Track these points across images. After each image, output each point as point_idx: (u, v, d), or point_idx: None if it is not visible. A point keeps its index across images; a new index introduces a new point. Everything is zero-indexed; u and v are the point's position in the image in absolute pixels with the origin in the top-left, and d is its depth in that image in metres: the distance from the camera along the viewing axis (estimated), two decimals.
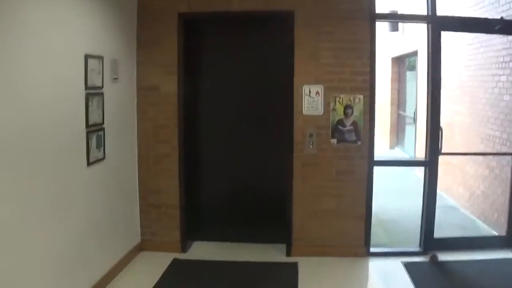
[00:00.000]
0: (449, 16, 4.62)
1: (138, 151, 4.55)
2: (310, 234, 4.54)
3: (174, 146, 4.48)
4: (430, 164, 4.61)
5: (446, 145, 4.69)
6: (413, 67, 11.54)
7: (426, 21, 4.48)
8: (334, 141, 4.38)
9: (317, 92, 4.32)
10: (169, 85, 4.43)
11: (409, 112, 11.56)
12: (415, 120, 10.14)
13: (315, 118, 4.38)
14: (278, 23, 4.46)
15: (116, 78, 4.07)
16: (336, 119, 4.35)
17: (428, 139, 4.58)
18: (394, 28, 10.30)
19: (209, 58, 4.68)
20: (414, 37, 10.07)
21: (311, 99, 4.33)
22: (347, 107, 4.33)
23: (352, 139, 4.37)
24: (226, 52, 4.67)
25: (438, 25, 4.44)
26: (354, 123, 4.35)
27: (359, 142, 4.37)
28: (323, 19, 4.27)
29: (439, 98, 4.54)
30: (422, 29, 9.28)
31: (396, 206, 6.60)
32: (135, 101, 4.49)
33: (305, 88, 4.33)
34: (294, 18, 4.30)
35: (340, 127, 4.35)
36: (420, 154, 9.57)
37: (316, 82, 4.33)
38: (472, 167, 6.39)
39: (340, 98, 4.33)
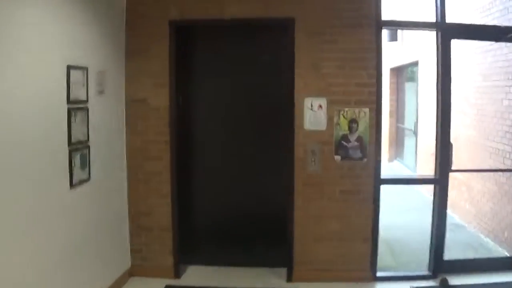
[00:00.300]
0: (459, 24, 4.36)
1: (127, 169, 4.21)
2: (313, 258, 4.23)
3: (165, 163, 4.16)
4: (440, 182, 4.31)
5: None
6: (412, 78, 11.30)
7: (435, 29, 4.19)
8: (338, 158, 4.07)
9: (320, 106, 4.02)
10: (160, 97, 4.12)
11: (408, 124, 11.30)
12: (415, 132, 9.88)
13: (318, 134, 4.08)
14: (277, 31, 4.17)
15: (102, 91, 3.76)
16: (340, 134, 4.05)
17: (438, 155, 4.28)
18: (393, 38, 10.02)
19: (203, 68, 4.37)
20: (414, 47, 9.82)
21: (313, 113, 4.03)
22: (352, 122, 4.03)
23: (357, 156, 4.06)
24: (222, 63, 4.37)
25: (447, 32, 4.16)
26: (359, 139, 4.05)
27: (365, 159, 4.07)
28: (326, 27, 3.99)
29: (449, 111, 4.23)
30: (423, 38, 9.11)
31: (399, 224, 6.28)
32: (124, 115, 4.18)
33: (307, 101, 4.03)
34: (295, 25, 4.01)
35: (344, 143, 4.05)
36: (422, 168, 9.47)
37: (319, 94, 4.03)
38: (479, 183, 6.09)
39: (344, 111, 4.03)
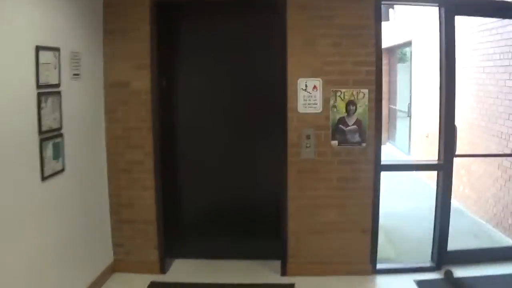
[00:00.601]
0: None
1: (107, 158, 3.90)
2: (308, 250, 3.96)
3: (148, 151, 3.85)
4: (444, 168, 4.04)
5: None
6: (404, 59, 11.05)
7: (437, 4, 3.88)
8: (335, 143, 3.77)
9: (315, 87, 3.71)
10: (141, 80, 3.79)
11: (400, 105, 11.07)
12: (409, 114, 9.66)
13: (313, 117, 3.78)
14: (268, 7, 3.83)
15: (77, 74, 3.43)
16: (337, 117, 3.75)
17: (442, 139, 4.00)
18: (385, 18, 9.64)
19: (189, 49, 4.04)
20: (407, 27, 9.55)
21: (307, 95, 3.72)
22: (349, 104, 3.73)
23: (355, 140, 3.77)
24: (208, 43, 4.03)
25: (451, 8, 3.87)
26: (357, 122, 3.75)
27: (364, 144, 3.77)
28: (321, 1, 3.68)
29: (454, 92, 3.95)
30: (416, 17, 8.85)
31: (396, 212, 6.01)
32: (102, 100, 3.85)
33: (301, 82, 3.71)
34: (286, 0, 3.68)
35: (341, 126, 3.75)
36: (416, 150, 9.26)
37: (313, 74, 3.73)
38: (480, 167, 5.84)
39: (341, 93, 3.72)
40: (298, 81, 3.72)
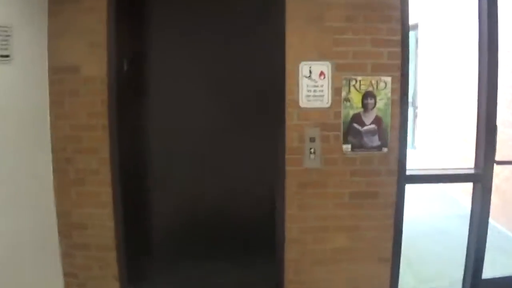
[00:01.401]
0: None
1: (53, 166, 3.01)
2: (312, 285, 3.08)
3: (103, 157, 2.97)
4: (483, 178, 3.14)
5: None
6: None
7: None
8: (347, 147, 2.89)
9: (322, 73, 2.83)
10: (96, 64, 2.91)
11: None
12: (413, 104, 9.28)
13: (319, 113, 2.91)
14: None
15: (6, 56, 2.59)
16: (351, 114, 2.87)
17: (482, 142, 3.15)
18: None
19: (160, 22, 3.15)
20: (413, 9, 8.69)
21: (312, 84, 2.84)
22: (367, 96, 2.86)
23: (374, 144, 2.90)
24: (186, 16, 3.14)
25: None
26: (377, 120, 2.88)
27: (385, 149, 2.90)
28: None
29: (496, 84, 3.14)
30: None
31: (415, 228, 5.15)
32: (46, 89, 2.96)
33: (303, 67, 2.83)
34: None
35: (356, 126, 2.87)
36: (422, 143, 8.55)
37: (320, 57, 2.86)
38: (505, 167, 4.99)
39: (356, 81, 2.85)
40: (300, 66, 2.84)
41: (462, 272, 3.42)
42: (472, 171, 3.30)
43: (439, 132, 7.99)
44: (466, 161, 6.76)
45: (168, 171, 3.27)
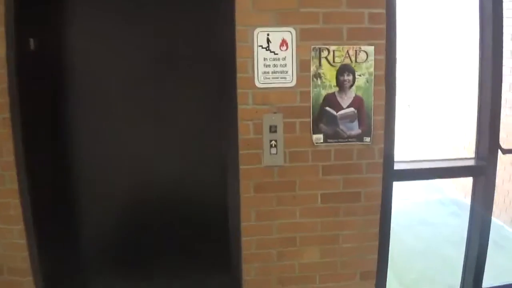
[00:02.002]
0: None
1: None
2: None
3: (7, 161, 2.25)
4: (485, 171, 2.53)
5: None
6: None
7: None
8: (318, 138, 2.23)
9: (284, 42, 2.15)
10: None
11: None
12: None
13: (281, 94, 2.23)
14: None
15: None
16: (323, 94, 2.20)
17: (486, 130, 2.49)
18: None
19: None
20: None
21: (271, 57, 2.15)
22: (343, 71, 2.20)
23: (353, 133, 2.25)
24: None
25: None
26: (357, 102, 2.22)
27: (368, 139, 2.24)
28: None
29: (500, 62, 2.53)
30: None
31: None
32: None
33: (259, 35, 2.14)
34: None
35: (330, 110, 2.21)
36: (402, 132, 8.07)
37: (281, 21, 2.17)
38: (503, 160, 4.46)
39: (329, 52, 2.16)
40: (255, 34, 2.14)
41: (459, 280, 2.87)
42: (472, 162, 2.66)
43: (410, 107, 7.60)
44: (457, 151, 6.36)
45: (100, 172, 2.57)
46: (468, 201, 5.71)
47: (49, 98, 2.41)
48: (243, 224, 2.32)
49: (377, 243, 2.44)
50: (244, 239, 2.34)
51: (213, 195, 2.40)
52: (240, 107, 2.19)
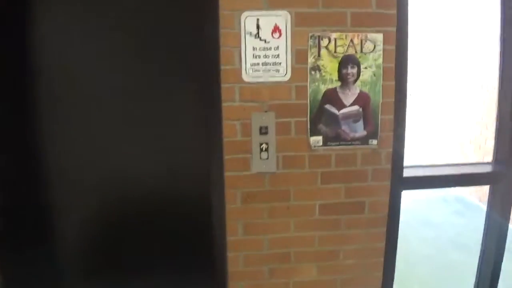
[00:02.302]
0: None
1: None
2: None
3: None
4: (506, 177, 2.21)
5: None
6: None
7: None
8: (317, 140, 1.91)
9: (276, 29, 1.83)
10: None
11: None
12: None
13: (273, 90, 1.92)
14: None
15: None
16: (323, 90, 1.88)
17: (508, 133, 2.17)
18: None
19: None
20: None
21: (261, 45, 1.84)
22: (346, 62, 1.88)
23: (357, 134, 1.95)
24: None
25: None
26: (362, 99, 1.91)
27: (374, 142, 1.93)
28: None
29: None
30: None
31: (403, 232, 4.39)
32: None
33: (247, 21, 1.82)
34: None
35: (330, 108, 1.88)
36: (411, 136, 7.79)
37: (273, 4, 1.86)
38: None
39: (330, 41, 1.84)
40: (243, 19, 1.82)
41: None
42: (489, 168, 2.35)
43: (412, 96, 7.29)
44: (464, 156, 6.08)
45: (72, 168, 2.25)
46: (473, 199, 5.45)
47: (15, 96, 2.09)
48: (229, 239, 2.01)
49: (382, 259, 2.15)
50: (230, 254, 2.04)
51: (194, 206, 2.08)
52: (225, 104, 1.88)
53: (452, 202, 5.78)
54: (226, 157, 1.92)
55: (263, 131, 1.90)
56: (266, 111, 1.89)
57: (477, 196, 5.75)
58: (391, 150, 2.00)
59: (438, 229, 4.78)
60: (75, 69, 2.04)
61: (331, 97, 1.91)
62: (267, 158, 1.92)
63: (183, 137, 2.02)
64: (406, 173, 2.10)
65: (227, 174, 1.94)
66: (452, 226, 4.90)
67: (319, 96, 1.91)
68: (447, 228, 4.79)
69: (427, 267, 3.84)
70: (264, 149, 1.91)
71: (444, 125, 6.97)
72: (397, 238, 2.16)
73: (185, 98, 1.98)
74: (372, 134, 1.96)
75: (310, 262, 2.10)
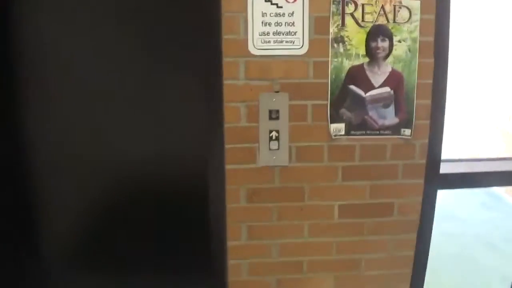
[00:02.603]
0: None
1: None
2: None
3: None
4: None
5: None
6: None
7: None
8: (338, 128, 1.60)
9: None
10: None
11: None
12: None
13: (286, 65, 1.60)
14: None
15: None
16: (347, 67, 1.55)
17: None
18: None
19: None
20: None
21: (273, 10, 1.52)
22: (376, 34, 1.53)
23: (387, 122, 1.63)
24: None
25: None
26: (394, 79, 1.58)
27: (408, 132, 1.59)
28: None
29: None
30: None
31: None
32: None
33: None
34: None
35: (356, 89, 1.55)
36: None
37: None
38: None
39: (356, 6, 1.48)
40: None
41: None
42: None
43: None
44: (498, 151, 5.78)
45: (58, 163, 1.94)
46: (501, 191, 5.13)
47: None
48: (231, 244, 1.70)
49: (410, 270, 1.82)
50: (231, 262, 1.73)
51: (188, 206, 1.77)
52: (227, 82, 1.56)
53: (478, 194, 5.49)
54: (228, 146, 1.61)
55: (273, 115, 1.58)
56: (277, 92, 1.57)
57: (504, 188, 5.47)
58: (427, 141, 1.68)
59: (462, 224, 4.48)
60: (66, 56, 1.72)
61: (357, 75, 1.58)
62: (278, 149, 1.61)
63: (175, 123, 1.69)
64: (443, 169, 1.77)
65: (228, 167, 1.63)
66: (478, 222, 4.61)
67: (342, 75, 1.58)
68: (472, 223, 4.49)
69: (451, 270, 3.53)
70: (274, 137, 1.60)
71: (483, 114, 6.63)
72: (429, 246, 1.85)
73: (180, 75, 1.64)
74: (405, 122, 1.63)
75: (327, 272, 1.79)
